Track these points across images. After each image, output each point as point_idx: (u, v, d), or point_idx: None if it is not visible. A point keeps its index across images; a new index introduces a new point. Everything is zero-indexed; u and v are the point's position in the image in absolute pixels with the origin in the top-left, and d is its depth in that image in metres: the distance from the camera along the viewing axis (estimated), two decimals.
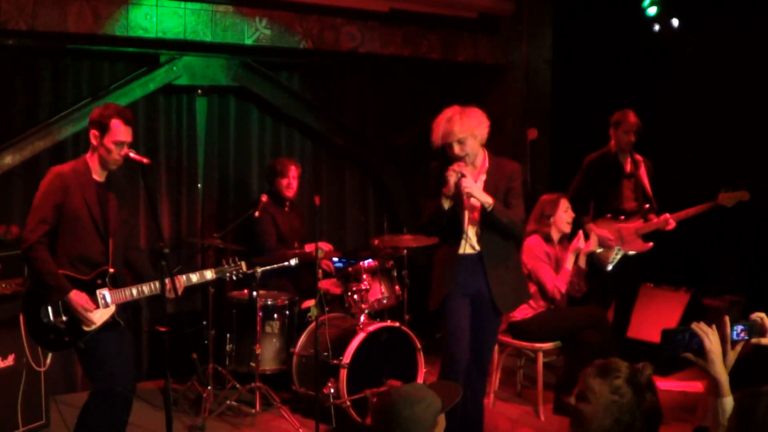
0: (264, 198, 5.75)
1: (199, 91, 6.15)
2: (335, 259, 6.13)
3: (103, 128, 3.82)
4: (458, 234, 4.26)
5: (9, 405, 4.55)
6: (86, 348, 3.78)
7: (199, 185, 6.23)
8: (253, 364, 5.22)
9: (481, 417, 4.47)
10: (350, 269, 5.32)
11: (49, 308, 3.74)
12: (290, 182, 5.87)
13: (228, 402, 5.21)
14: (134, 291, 3.89)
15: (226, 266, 4.27)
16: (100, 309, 3.80)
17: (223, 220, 6.30)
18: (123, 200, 4.04)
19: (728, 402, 2.26)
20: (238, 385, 5.24)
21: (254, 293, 5.14)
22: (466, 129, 4.15)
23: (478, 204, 4.17)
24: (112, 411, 3.87)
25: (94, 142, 3.86)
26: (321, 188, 6.78)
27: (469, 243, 4.26)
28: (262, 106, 6.51)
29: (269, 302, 5.38)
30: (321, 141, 6.84)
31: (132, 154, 3.78)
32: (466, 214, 4.24)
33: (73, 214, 3.81)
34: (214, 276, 4.18)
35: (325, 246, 4.63)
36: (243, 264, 4.31)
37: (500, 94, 7.16)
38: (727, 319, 2.40)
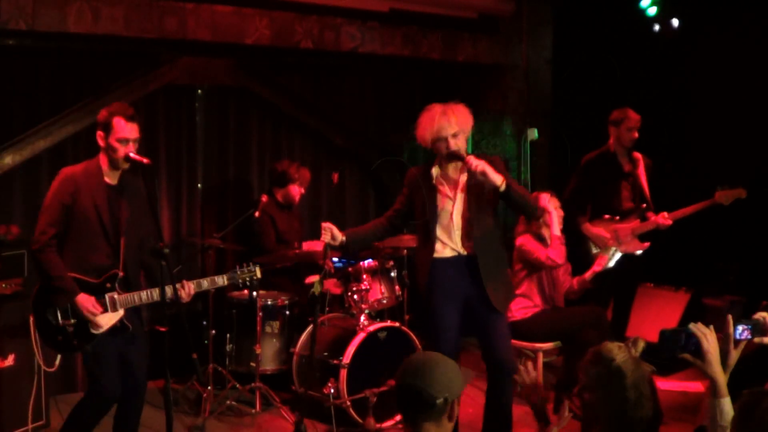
0: (264, 198, 5.75)
1: (199, 91, 6.16)
2: (335, 258, 6.12)
3: (107, 128, 3.80)
4: (445, 237, 4.21)
5: (9, 405, 4.55)
6: (92, 351, 3.77)
7: (199, 185, 6.24)
8: (253, 364, 5.22)
9: (510, 419, 4.40)
10: (350, 269, 5.31)
11: (57, 311, 3.72)
12: (303, 190, 5.88)
13: (228, 402, 5.21)
14: (143, 295, 3.82)
15: (239, 272, 4.12)
16: (108, 313, 3.77)
17: (223, 220, 6.30)
18: (136, 202, 3.95)
19: (726, 402, 2.26)
20: (238, 385, 5.24)
21: (254, 293, 5.14)
22: (461, 123, 4.17)
23: (462, 205, 4.14)
24: (98, 413, 3.86)
25: (101, 143, 3.84)
26: (321, 188, 6.79)
27: (455, 246, 4.19)
28: (262, 106, 6.51)
29: (269, 302, 5.38)
30: (321, 141, 6.85)
31: (132, 155, 3.78)
32: (455, 216, 4.18)
33: (82, 216, 3.77)
34: (226, 282, 4.06)
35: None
36: (258, 269, 4.16)
37: (500, 94, 7.16)
38: (730, 318, 2.39)
